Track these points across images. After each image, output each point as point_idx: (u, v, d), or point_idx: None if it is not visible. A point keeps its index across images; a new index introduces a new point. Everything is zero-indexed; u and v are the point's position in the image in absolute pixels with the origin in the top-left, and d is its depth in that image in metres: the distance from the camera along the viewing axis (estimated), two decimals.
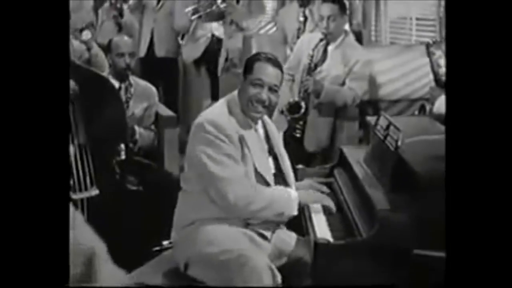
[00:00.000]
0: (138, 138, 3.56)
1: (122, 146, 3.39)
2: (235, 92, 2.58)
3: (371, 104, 4.12)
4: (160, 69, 5.63)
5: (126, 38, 3.75)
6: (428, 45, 3.25)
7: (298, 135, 3.98)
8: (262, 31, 5.48)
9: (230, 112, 2.52)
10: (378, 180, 2.42)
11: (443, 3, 4.38)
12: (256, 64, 2.53)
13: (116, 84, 3.58)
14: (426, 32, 4.65)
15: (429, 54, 3.22)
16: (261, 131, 2.63)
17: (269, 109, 2.58)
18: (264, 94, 2.49)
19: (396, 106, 4.16)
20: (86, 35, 4.70)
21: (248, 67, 2.55)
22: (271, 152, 2.64)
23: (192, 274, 2.47)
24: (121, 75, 3.63)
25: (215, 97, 5.42)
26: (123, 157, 3.34)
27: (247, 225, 2.48)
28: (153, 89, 3.80)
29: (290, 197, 2.50)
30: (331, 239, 2.23)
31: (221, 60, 5.44)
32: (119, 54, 3.61)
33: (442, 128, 2.62)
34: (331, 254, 2.13)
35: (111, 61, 3.68)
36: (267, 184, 2.52)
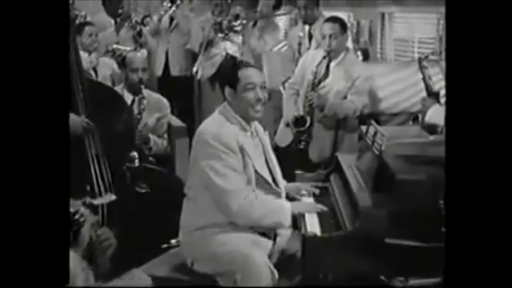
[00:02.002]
0: (153, 145, 3.81)
1: (136, 154, 3.65)
2: (225, 104, 2.77)
3: (372, 117, 4.32)
4: (176, 86, 5.92)
5: (139, 54, 4.01)
6: (420, 59, 3.45)
7: (302, 146, 4.21)
8: (274, 49, 5.75)
9: (229, 121, 2.72)
10: (365, 181, 2.65)
11: (442, 22, 4.62)
12: (239, 72, 2.72)
13: (130, 97, 3.85)
14: (427, 49, 4.85)
15: (421, 68, 3.42)
16: (254, 134, 2.84)
17: (264, 105, 2.76)
18: (260, 94, 2.71)
19: (396, 119, 4.35)
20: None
21: (232, 78, 2.72)
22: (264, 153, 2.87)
23: (198, 269, 2.71)
24: (135, 89, 3.87)
25: None
26: (136, 164, 3.60)
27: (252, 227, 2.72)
28: (165, 101, 4.05)
29: (284, 207, 2.70)
30: (319, 233, 2.46)
31: None
32: (133, 70, 3.86)
33: (429, 136, 2.85)
34: (318, 246, 2.36)
35: (124, 76, 3.94)
36: (268, 184, 2.75)
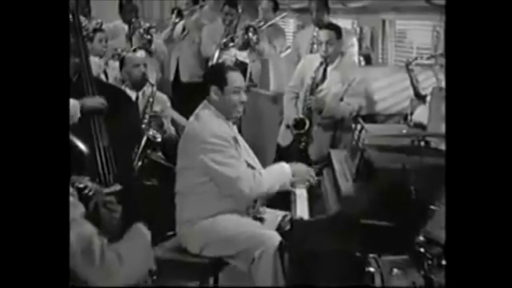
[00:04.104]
0: (166, 128, 4.07)
1: (151, 132, 3.96)
2: (206, 102, 3.03)
3: (369, 118, 4.54)
4: (188, 91, 6.18)
5: (137, 53, 4.23)
6: (407, 64, 3.72)
7: (302, 146, 4.47)
8: (283, 54, 6.04)
9: (219, 117, 3.00)
10: (350, 172, 2.93)
11: (438, 28, 4.86)
12: (227, 75, 2.99)
13: (133, 94, 4.07)
14: (424, 50, 5.07)
15: (408, 71, 3.69)
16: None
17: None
18: (243, 96, 3.02)
19: (392, 120, 4.58)
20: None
21: (221, 79, 2.98)
22: None
23: (207, 254, 2.98)
24: (139, 84, 4.11)
25: None
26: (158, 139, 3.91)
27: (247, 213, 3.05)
28: (164, 96, 4.34)
29: (285, 170, 3.06)
30: (305, 217, 2.75)
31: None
32: (134, 65, 4.09)
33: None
34: (304, 228, 2.65)
35: (126, 74, 4.15)
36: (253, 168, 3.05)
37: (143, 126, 3.98)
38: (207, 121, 2.99)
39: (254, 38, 5.63)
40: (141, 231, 2.18)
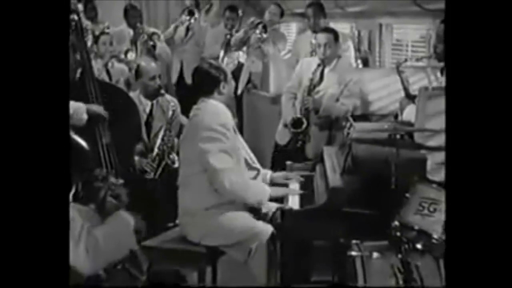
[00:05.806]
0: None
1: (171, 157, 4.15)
2: (203, 99, 3.22)
3: (364, 118, 4.70)
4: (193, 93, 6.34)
5: (152, 63, 4.32)
6: (397, 65, 3.88)
7: (299, 145, 4.63)
8: (285, 57, 6.22)
9: (224, 107, 3.21)
10: (339, 166, 3.11)
11: (431, 31, 5.02)
12: (226, 70, 3.31)
13: (148, 103, 4.20)
14: (419, 53, 5.23)
15: (399, 72, 3.86)
16: None
17: None
18: None
19: (386, 119, 4.73)
20: (131, 55, 5.46)
21: (227, 75, 3.28)
22: None
23: (206, 243, 3.15)
24: (153, 95, 4.21)
25: (239, 114, 6.19)
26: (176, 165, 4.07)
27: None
28: (175, 100, 4.44)
29: (265, 190, 3.19)
30: (294, 208, 2.93)
31: (244, 82, 6.20)
32: (151, 78, 4.17)
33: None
34: (293, 217, 2.84)
35: (141, 85, 4.22)
36: (247, 162, 3.25)
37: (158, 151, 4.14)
38: (214, 109, 3.18)
39: (263, 35, 5.84)
40: (122, 217, 2.41)
